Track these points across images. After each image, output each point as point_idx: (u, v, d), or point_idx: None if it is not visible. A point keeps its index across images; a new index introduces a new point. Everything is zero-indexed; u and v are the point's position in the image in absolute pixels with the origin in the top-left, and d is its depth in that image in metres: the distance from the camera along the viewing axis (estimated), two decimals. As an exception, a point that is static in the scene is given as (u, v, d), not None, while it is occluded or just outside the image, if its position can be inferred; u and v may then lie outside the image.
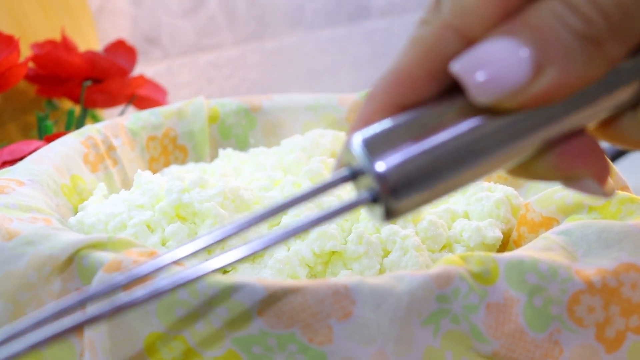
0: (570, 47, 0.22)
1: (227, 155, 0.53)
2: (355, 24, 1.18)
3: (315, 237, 0.39)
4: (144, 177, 0.44)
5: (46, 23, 0.70)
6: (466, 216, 0.44)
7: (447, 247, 0.41)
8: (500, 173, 0.48)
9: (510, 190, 0.43)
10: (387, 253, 0.39)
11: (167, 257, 0.25)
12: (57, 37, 0.69)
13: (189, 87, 0.93)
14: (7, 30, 0.64)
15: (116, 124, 0.52)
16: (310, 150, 0.50)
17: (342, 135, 0.53)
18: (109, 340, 0.31)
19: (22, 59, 0.60)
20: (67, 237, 0.33)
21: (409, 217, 0.42)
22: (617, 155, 0.83)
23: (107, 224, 0.41)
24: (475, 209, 0.43)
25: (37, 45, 0.65)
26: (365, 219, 0.41)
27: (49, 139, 0.54)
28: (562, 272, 0.31)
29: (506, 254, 0.31)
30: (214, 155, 0.56)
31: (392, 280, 0.30)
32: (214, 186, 0.42)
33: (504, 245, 0.42)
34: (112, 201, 0.43)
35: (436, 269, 0.30)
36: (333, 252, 0.39)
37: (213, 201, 0.41)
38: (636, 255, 0.32)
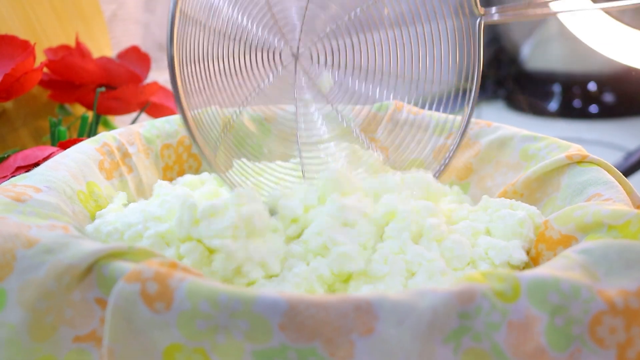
0: None
1: (241, 165, 0.53)
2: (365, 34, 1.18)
3: (334, 257, 0.39)
4: (163, 188, 0.44)
5: (60, 29, 0.70)
6: (488, 233, 0.43)
7: (470, 264, 0.41)
8: (516, 188, 0.48)
9: (533, 209, 0.43)
10: (411, 274, 0.39)
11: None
12: (71, 43, 0.69)
13: (200, 95, 0.93)
14: (22, 36, 0.64)
15: (131, 131, 0.52)
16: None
17: (358, 148, 0.53)
18: (127, 350, 0.31)
19: (36, 64, 0.60)
20: (86, 246, 0.33)
21: (433, 236, 0.41)
22: (629, 172, 0.82)
23: (123, 234, 0.41)
24: (497, 226, 0.43)
25: (51, 51, 0.65)
26: (390, 238, 0.41)
27: (63, 145, 0.54)
28: (584, 292, 0.31)
29: (527, 272, 0.31)
30: (228, 165, 0.56)
31: (414, 296, 0.30)
32: (225, 209, 0.40)
33: (523, 262, 0.42)
34: (131, 210, 0.43)
35: (458, 285, 0.30)
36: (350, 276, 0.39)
37: (223, 235, 0.39)
38: (658, 276, 0.32)
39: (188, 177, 0.52)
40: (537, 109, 1.29)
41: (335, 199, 0.43)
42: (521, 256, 0.40)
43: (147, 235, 0.40)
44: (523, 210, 0.43)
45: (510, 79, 1.36)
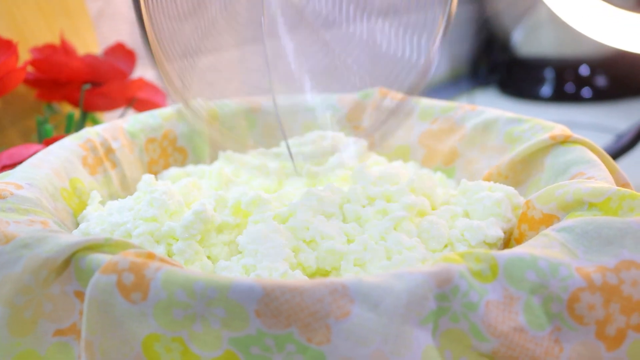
0: None
1: (228, 157, 0.53)
2: (356, 23, 1.17)
3: (323, 255, 0.39)
4: (148, 184, 0.44)
5: (45, 27, 0.70)
6: (467, 215, 0.43)
7: (448, 246, 0.41)
8: (501, 171, 0.48)
9: (510, 189, 0.43)
10: (390, 260, 0.39)
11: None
12: (57, 41, 0.69)
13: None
14: (6, 34, 0.63)
15: (115, 126, 0.51)
16: (312, 155, 0.50)
17: (341, 136, 0.52)
18: (106, 342, 0.30)
19: (21, 63, 0.60)
20: (64, 240, 0.33)
21: (411, 217, 0.41)
22: (619, 153, 0.82)
23: (112, 234, 0.41)
24: (476, 209, 0.43)
25: (36, 50, 0.65)
26: (368, 222, 0.41)
27: (48, 142, 0.54)
28: (563, 270, 0.31)
29: (506, 252, 0.31)
30: (213, 157, 0.56)
31: (390, 278, 0.29)
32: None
33: (506, 243, 0.42)
34: (117, 209, 0.43)
35: (435, 267, 0.30)
36: (333, 268, 0.39)
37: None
38: (637, 252, 0.32)
39: (173, 170, 0.52)
40: (530, 94, 1.29)
41: (310, 191, 0.43)
42: (496, 233, 0.40)
43: (136, 234, 0.40)
44: (501, 191, 0.43)
45: (503, 65, 1.36)
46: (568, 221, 0.35)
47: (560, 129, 0.47)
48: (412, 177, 0.44)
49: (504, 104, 1.28)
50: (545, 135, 0.46)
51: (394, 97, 0.57)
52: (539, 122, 0.49)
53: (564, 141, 0.45)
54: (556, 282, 0.30)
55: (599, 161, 0.43)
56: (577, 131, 0.47)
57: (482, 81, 1.39)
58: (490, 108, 0.54)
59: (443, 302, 0.29)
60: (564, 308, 0.30)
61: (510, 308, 0.30)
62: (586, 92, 1.24)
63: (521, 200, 0.42)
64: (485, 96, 1.33)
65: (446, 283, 0.30)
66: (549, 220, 0.39)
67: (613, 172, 0.44)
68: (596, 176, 0.40)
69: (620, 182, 0.45)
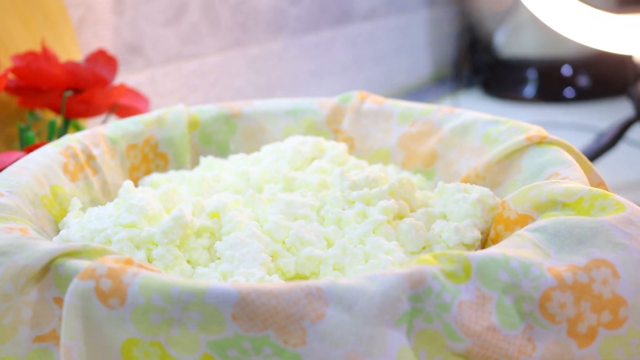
0: None
1: (209, 163, 0.53)
2: (339, 28, 1.18)
3: (303, 261, 0.39)
4: (127, 190, 0.44)
5: (27, 34, 0.70)
6: (444, 217, 0.44)
7: (426, 247, 0.41)
8: (478, 172, 0.48)
9: (485, 190, 0.43)
10: (369, 264, 0.39)
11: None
12: (38, 48, 0.69)
13: (173, 96, 0.94)
14: (-13, 42, 0.64)
15: (95, 133, 0.52)
16: (291, 159, 0.50)
17: (321, 141, 0.53)
18: (85, 347, 0.31)
19: (2, 70, 0.60)
20: (42, 247, 0.33)
21: (390, 220, 0.42)
22: (599, 153, 0.83)
23: (92, 240, 0.41)
24: (452, 210, 0.43)
25: (17, 57, 0.65)
26: (352, 229, 0.42)
27: (30, 149, 0.55)
28: (534, 269, 0.31)
29: (478, 252, 0.32)
30: (194, 162, 0.56)
31: (364, 280, 0.30)
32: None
33: (483, 244, 0.42)
34: (97, 216, 0.43)
35: (408, 268, 0.30)
36: (312, 273, 0.40)
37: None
38: (607, 250, 0.32)
39: (155, 177, 0.52)
40: (513, 95, 1.30)
41: (281, 197, 0.43)
42: (473, 234, 0.40)
43: (116, 240, 0.40)
44: (477, 192, 0.43)
45: (486, 66, 1.37)
46: (541, 221, 0.35)
47: (536, 130, 0.47)
48: (391, 180, 0.45)
49: (487, 104, 1.29)
50: (521, 137, 0.47)
51: (374, 100, 0.57)
52: (515, 123, 0.49)
53: (540, 142, 0.46)
54: (528, 282, 0.31)
55: (574, 161, 0.43)
56: (560, 131, 0.48)
57: (465, 82, 1.40)
58: (468, 110, 0.54)
59: (417, 303, 0.30)
60: (536, 307, 0.31)
61: (483, 308, 0.30)
62: (568, 92, 1.25)
63: (497, 201, 0.43)
64: (469, 97, 1.34)
65: (419, 284, 0.30)
66: (524, 220, 0.39)
67: (588, 172, 0.45)
68: (570, 176, 0.41)
69: (596, 181, 0.46)
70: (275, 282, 0.35)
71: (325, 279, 0.30)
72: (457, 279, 0.31)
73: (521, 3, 0.99)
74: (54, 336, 0.33)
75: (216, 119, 0.57)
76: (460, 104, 1.25)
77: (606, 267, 0.32)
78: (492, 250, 0.32)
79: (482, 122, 0.51)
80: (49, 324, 0.33)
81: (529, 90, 1.28)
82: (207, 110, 0.57)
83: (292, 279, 0.40)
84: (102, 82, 0.65)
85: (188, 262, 0.41)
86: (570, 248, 0.33)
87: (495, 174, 0.48)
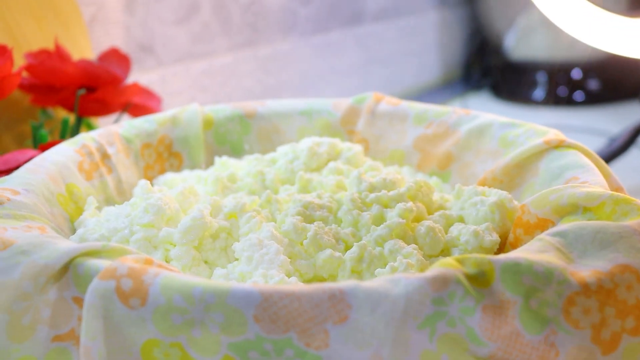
0: None
1: (223, 163, 0.53)
2: (349, 29, 1.18)
3: (321, 264, 0.39)
4: (144, 190, 0.44)
5: (39, 33, 0.70)
6: (461, 220, 0.44)
7: (444, 251, 0.41)
8: (495, 175, 0.48)
9: (504, 194, 0.43)
10: (390, 268, 0.39)
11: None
12: (51, 46, 0.69)
13: (183, 95, 0.93)
14: (0, 40, 0.63)
15: (110, 132, 0.52)
16: (307, 160, 0.50)
17: (337, 142, 0.53)
18: (105, 348, 0.31)
19: (15, 68, 0.60)
20: (62, 246, 0.33)
21: (408, 223, 0.42)
22: (611, 157, 0.83)
23: (109, 240, 0.41)
24: (470, 214, 0.43)
25: (30, 55, 0.65)
26: (371, 232, 0.41)
27: (44, 147, 0.54)
28: (558, 274, 0.31)
29: (502, 256, 0.32)
30: (209, 162, 0.56)
31: (387, 283, 0.30)
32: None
33: (501, 247, 0.42)
34: (114, 215, 0.43)
35: (432, 271, 0.30)
36: (330, 276, 0.39)
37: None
38: (631, 256, 0.32)
39: (169, 176, 0.52)
40: (522, 98, 1.29)
41: (298, 198, 0.43)
42: (492, 237, 0.40)
43: (133, 240, 0.40)
44: (495, 196, 0.43)
45: (496, 69, 1.37)
46: (563, 226, 0.35)
47: (554, 134, 0.47)
48: (409, 183, 0.44)
49: (496, 107, 1.29)
50: (539, 140, 0.46)
51: (389, 102, 0.57)
52: (532, 126, 0.49)
53: (558, 145, 0.46)
54: (552, 287, 0.31)
55: (592, 166, 0.43)
56: (570, 135, 0.48)
57: (474, 85, 1.39)
58: (484, 112, 0.54)
59: (440, 307, 0.30)
60: (560, 312, 0.30)
61: (506, 312, 0.30)
62: (578, 95, 1.25)
63: (516, 204, 0.43)
64: (478, 100, 1.34)
65: (443, 288, 0.30)
66: (543, 224, 0.39)
67: (607, 176, 0.45)
68: (590, 181, 0.41)
69: (614, 186, 0.45)
70: (297, 284, 0.35)
71: (348, 281, 0.30)
72: (481, 283, 0.31)
73: (531, 5, 0.99)
74: (72, 336, 0.33)
75: (230, 118, 0.57)
76: (469, 107, 1.24)
77: (630, 272, 0.32)
78: (516, 255, 0.32)
79: (499, 124, 0.51)
80: (67, 324, 0.33)
81: (539, 93, 1.28)
82: (221, 109, 0.57)
83: (309, 281, 0.39)
84: (115, 81, 0.65)
85: (205, 262, 0.41)
86: (593, 253, 0.33)
87: (513, 177, 0.48)
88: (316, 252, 0.40)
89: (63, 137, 0.65)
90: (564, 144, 0.46)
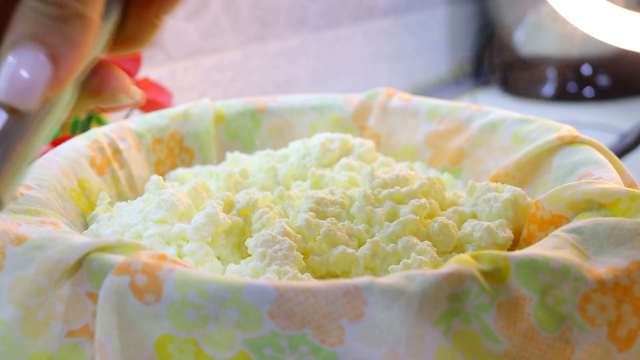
0: (60, 30, 0.24)
1: (235, 158, 0.53)
2: (359, 24, 1.18)
3: (334, 260, 0.39)
4: (156, 185, 0.44)
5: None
6: (474, 216, 0.43)
7: (457, 247, 0.41)
8: (508, 171, 0.48)
9: (518, 190, 0.43)
10: (404, 265, 0.39)
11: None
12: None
13: (193, 90, 0.93)
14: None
15: (122, 127, 0.52)
16: (319, 156, 0.50)
17: (349, 138, 0.53)
18: (119, 343, 0.31)
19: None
20: (76, 241, 0.33)
21: (421, 219, 0.41)
22: (622, 153, 0.82)
23: (122, 235, 0.41)
24: (483, 210, 0.43)
25: (41, 50, 0.65)
26: (384, 228, 0.41)
27: (55, 142, 0.54)
28: (574, 271, 0.31)
29: (517, 252, 0.31)
30: (220, 157, 0.56)
31: (403, 280, 0.30)
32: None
33: (515, 244, 0.42)
34: (127, 211, 0.43)
35: (447, 268, 0.30)
36: (343, 272, 0.39)
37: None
38: (648, 253, 0.32)
39: (180, 171, 0.52)
40: (532, 94, 1.29)
41: (311, 194, 0.43)
42: (506, 234, 0.40)
43: (146, 235, 0.40)
44: (508, 192, 0.43)
45: (505, 64, 1.36)
46: (578, 222, 0.35)
47: (567, 130, 0.47)
48: (421, 179, 0.44)
49: (505, 103, 1.28)
50: (552, 136, 0.46)
51: (401, 97, 0.57)
52: (545, 122, 0.49)
53: (571, 141, 0.46)
54: (568, 283, 0.30)
55: (606, 162, 0.43)
56: (580, 131, 0.47)
57: (484, 80, 1.39)
58: (496, 108, 0.54)
59: (455, 304, 0.30)
60: (576, 309, 0.30)
61: (522, 309, 0.30)
62: (588, 91, 1.25)
63: (529, 201, 0.43)
64: (487, 95, 1.33)
65: (458, 284, 0.30)
66: (558, 220, 0.39)
67: (620, 172, 0.45)
68: (604, 177, 0.41)
69: (628, 182, 0.45)
70: (311, 280, 0.35)
71: (364, 277, 0.30)
72: (496, 279, 0.30)
73: (541, 1, 0.98)
74: (86, 331, 0.33)
75: (242, 114, 0.57)
76: (479, 102, 1.24)
77: (647, 269, 0.31)
78: (532, 251, 0.32)
79: (511, 120, 0.51)
80: (81, 319, 0.33)
81: (548, 89, 1.28)
82: (232, 105, 0.57)
83: (322, 277, 0.39)
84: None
85: (218, 258, 0.41)
86: (609, 250, 0.33)
87: (526, 173, 0.47)
88: (329, 248, 0.40)
89: (74, 132, 0.65)
90: (577, 140, 0.46)
